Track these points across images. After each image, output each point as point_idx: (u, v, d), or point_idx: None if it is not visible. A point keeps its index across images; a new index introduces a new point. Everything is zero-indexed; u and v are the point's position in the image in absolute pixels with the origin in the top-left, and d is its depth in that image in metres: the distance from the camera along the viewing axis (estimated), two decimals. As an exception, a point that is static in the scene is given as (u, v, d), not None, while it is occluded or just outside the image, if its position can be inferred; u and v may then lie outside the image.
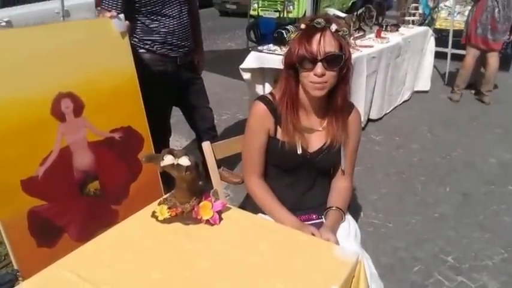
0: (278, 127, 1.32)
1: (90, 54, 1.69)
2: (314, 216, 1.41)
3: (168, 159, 1.07)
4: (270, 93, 1.37)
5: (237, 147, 1.70)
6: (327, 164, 1.38)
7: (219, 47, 7.17)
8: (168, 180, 2.06)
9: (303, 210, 1.40)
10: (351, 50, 1.27)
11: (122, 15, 1.79)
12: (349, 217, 1.46)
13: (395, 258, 2.12)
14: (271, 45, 3.34)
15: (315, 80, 1.20)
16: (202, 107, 2.56)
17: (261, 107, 1.33)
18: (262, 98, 1.35)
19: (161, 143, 2.25)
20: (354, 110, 1.37)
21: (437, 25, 5.62)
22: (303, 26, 1.23)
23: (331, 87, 1.23)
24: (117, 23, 1.76)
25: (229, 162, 2.73)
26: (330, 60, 1.17)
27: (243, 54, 3.54)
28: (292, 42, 1.25)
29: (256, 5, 6.48)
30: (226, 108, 4.12)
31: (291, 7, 5.77)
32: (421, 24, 4.78)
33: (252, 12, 6.66)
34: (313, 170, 1.37)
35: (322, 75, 1.18)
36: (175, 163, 1.07)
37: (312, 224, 1.37)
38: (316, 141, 1.34)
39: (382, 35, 3.87)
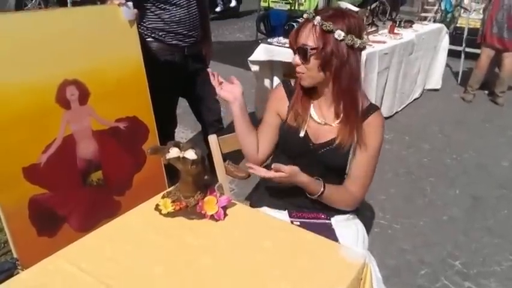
0: (289, 110, 1.35)
1: (97, 41, 1.65)
2: (322, 216, 1.36)
3: (173, 152, 1.04)
4: (295, 79, 1.36)
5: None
6: (331, 161, 1.32)
7: (227, 38, 7.11)
8: (172, 172, 2.04)
9: (310, 208, 1.36)
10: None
11: (130, 3, 1.74)
12: (357, 221, 1.42)
13: (401, 260, 2.07)
14: (281, 37, 3.28)
15: (296, 69, 1.24)
16: (209, 99, 2.51)
17: (279, 89, 1.40)
18: (284, 82, 1.41)
19: (166, 134, 2.22)
20: (374, 114, 1.29)
21: (458, 23, 5.51)
22: (304, 16, 1.25)
23: (314, 80, 1.23)
24: (125, 11, 1.72)
25: (234, 156, 2.69)
26: (301, 52, 1.20)
27: (252, 46, 3.50)
28: None
29: (267, -4, 6.40)
30: (234, 100, 4.08)
31: (302, 0, 5.69)
32: (441, 22, 4.69)
33: (262, 4, 6.57)
34: (319, 165, 1.32)
35: (298, 65, 1.22)
36: (181, 156, 1.04)
37: (318, 224, 1.33)
38: (325, 134, 1.30)
39: (396, 30, 3.79)
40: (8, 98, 1.39)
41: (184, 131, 3.38)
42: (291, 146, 1.35)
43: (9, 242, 1.46)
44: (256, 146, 1.39)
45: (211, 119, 2.55)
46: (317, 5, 5.95)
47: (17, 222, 1.46)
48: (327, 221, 1.36)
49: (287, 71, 3.34)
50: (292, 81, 1.38)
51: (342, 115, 1.27)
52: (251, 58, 3.23)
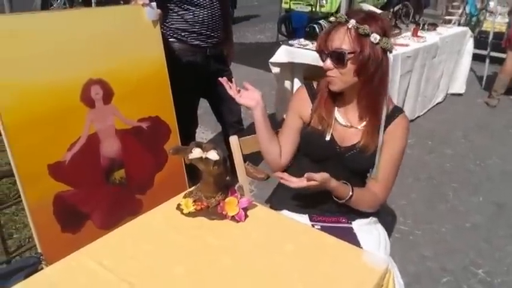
0: (312, 113, 1.33)
1: (121, 41, 1.67)
2: (343, 220, 1.35)
3: (196, 153, 1.04)
4: (318, 81, 1.36)
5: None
6: (357, 165, 1.31)
7: (248, 39, 7.13)
8: (192, 172, 2.05)
9: (331, 212, 1.35)
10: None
11: (154, 4, 1.76)
12: (379, 226, 1.40)
13: (422, 267, 2.03)
14: (302, 39, 3.27)
15: (326, 74, 1.21)
16: (229, 100, 2.46)
17: (301, 90, 1.38)
18: (307, 84, 1.39)
19: (187, 134, 2.24)
20: (399, 116, 1.29)
21: (483, 27, 5.38)
22: (331, 19, 1.23)
23: (346, 84, 1.21)
24: (149, 12, 1.74)
25: (254, 158, 2.69)
26: (336, 56, 1.17)
27: (272, 47, 3.49)
28: None
29: (288, -2, 6.38)
30: (253, 102, 4.07)
31: (324, 1, 5.64)
32: (466, 25, 4.59)
33: (283, 6, 6.56)
34: (345, 168, 1.31)
35: (329, 69, 1.19)
36: (204, 157, 1.04)
37: (340, 228, 1.32)
38: (350, 137, 1.29)
39: (419, 33, 3.73)
40: (35, 96, 1.42)
41: (205, 131, 3.40)
42: (316, 149, 1.34)
43: (34, 237, 1.49)
44: (279, 151, 1.38)
45: (231, 120, 2.56)
46: (338, 7, 5.91)
47: (42, 217, 1.49)
48: (348, 226, 1.34)
49: (308, 73, 3.31)
50: (315, 84, 1.37)
51: (367, 118, 1.26)
52: (272, 60, 3.22)
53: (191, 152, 1.05)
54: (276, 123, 3.51)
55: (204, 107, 2.58)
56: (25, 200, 1.43)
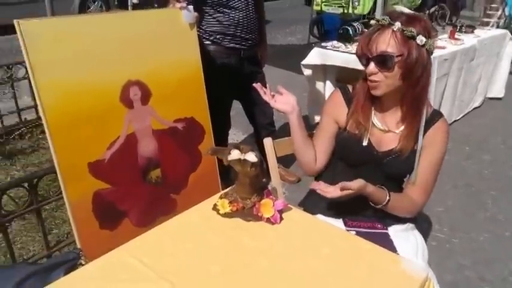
0: (348, 118, 1.31)
1: (159, 44, 1.71)
2: (379, 225, 1.33)
3: (234, 154, 1.05)
4: (353, 85, 1.34)
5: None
6: (396, 170, 1.29)
7: (279, 42, 7.13)
8: (223, 173, 2.07)
9: (367, 217, 1.33)
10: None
11: (191, 7, 1.79)
12: (416, 232, 1.37)
13: (460, 276, 1.96)
14: (335, 41, 3.24)
15: (369, 78, 1.18)
16: (262, 102, 2.49)
17: (336, 94, 1.36)
18: (342, 88, 1.36)
19: (220, 135, 2.26)
20: (439, 120, 1.26)
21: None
22: (372, 22, 1.20)
23: (390, 88, 1.18)
24: (186, 14, 1.77)
25: (285, 160, 2.68)
26: (382, 60, 1.13)
27: (303, 49, 3.47)
28: None
29: (319, 0, 6.34)
30: (284, 104, 4.06)
31: (356, 3, 5.58)
32: (505, 28, 4.41)
33: (315, 8, 6.54)
34: (382, 173, 1.28)
35: (373, 73, 1.16)
36: (242, 158, 1.05)
37: (375, 234, 1.29)
38: (388, 142, 1.27)
39: (456, 36, 3.61)
40: (77, 96, 1.47)
41: (236, 132, 3.42)
42: (352, 154, 1.32)
43: (74, 233, 1.54)
44: (314, 156, 1.37)
45: (264, 122, 2.56)
46: (371, 9, 5.83)
47: (82, 214, 1.54)
48: (384, 231, 1.31)
49: (340, 75, 3.28)
50: (350, 87, 1.34)
51: (406, 122, 1.23)
52: (304, 62, 3.21)
53: (230, 154, 1.06)
54: (308, 126, 3.49)
55: (235, 108, 2.59)
56: (66, 196, 1.49)
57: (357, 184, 1.15)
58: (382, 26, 1.14)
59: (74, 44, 1.46)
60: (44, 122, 1.40)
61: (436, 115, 1.27)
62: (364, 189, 1.18)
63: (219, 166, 2.05)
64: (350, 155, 1.33)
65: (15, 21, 1.32)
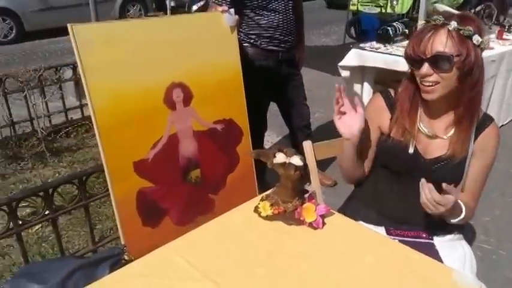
0: (392, 124, 1.26)
1: (201, 47, 1.74)
2: (424, 235, 1.29)
3: (280, 157, 1.06)
4: (395, 88, 1.30)
5: (339, 149, 1.62)
6: (446, 177, 1.23)
7: (313, 43, 7.07)
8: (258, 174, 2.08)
9: (411, 225, 1.29)
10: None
11: (232, 10, 1.82)
12: (463, 242, 1.32)
13: (506, 289, 1.89)
14: (374, 42, 3.18)
15: (422, 81, 1.13)
16: (299, 104, 2.53)
17: (378, 100, 1.31)
18: (383, 92, 1.32)
19: (257, 137, 2.27)
20: (490, 125, 1.22)
21: None
22: (421, 22, 1.16)
23: (446, 91, 1.13)
24: (227, 18, 1.80)
25: (320, 163, 2.66)
26: (438, 61, 1.08)
27: (339, 50, 3.43)
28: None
29: (356, 0, 6.23)
30: (320, 105, 4.01)
31: (394, 2, 5.43)
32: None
33: (351, 7, 6.43)
34: (428, 181, 1.25)
35: (427, 75, 1.10)
36: (287, 162, 1.05)
37: (420, 244, 1.25)
38: (436, 148, 1.23)
39: (504, 36, 3.46)
40: (125, 98, 1.52)
41: (270, 134, 3.42)
42: (398, 162, 1.28)
43: (118, 229, 1.60)
44: (362, 173, 1.35)
45: (300, 124, 2.56)
46: (410, 9, 5.66)
47: (126, 211, 1.59)
48: (429, 241, 1.28)
49: (378, 77, 3.22)
50: (392, 91, 1.30)
51: (457, 126, 1.19)
52: (342, 63, 3.17)
53: (275, 157, 1.06)
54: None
55: (270, 110, 2.60)
56: (112, 194, 1.54)
57: (453, 197, 1.07)
58: (435, 26, 1.10)
59: (122, 47, 1.51)
60: (93, 122, 1.45)
61: (487, 119, 1.23)
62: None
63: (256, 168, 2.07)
64: (395, 163, 1.29)
65: (68, 25, 1.38)
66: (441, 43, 1.08)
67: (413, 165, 1.25)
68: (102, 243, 1.92)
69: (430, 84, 1.12)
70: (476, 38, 1.07)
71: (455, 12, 1.17)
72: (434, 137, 1.23)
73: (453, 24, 1.07)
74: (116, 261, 1.49)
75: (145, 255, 1.05)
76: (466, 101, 1.15)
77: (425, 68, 1.10)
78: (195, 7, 4.60)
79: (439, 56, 1.08)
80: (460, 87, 1.12)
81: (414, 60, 1.13)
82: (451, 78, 1.10)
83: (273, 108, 2.59)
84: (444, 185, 1.06)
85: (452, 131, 1.21)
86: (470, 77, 1.10)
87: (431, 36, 1.09)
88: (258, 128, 2.38)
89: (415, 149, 1.23)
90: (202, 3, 4.34)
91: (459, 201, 1.14)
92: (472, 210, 1.26)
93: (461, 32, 1.07)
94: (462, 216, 1.16)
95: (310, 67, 4.72)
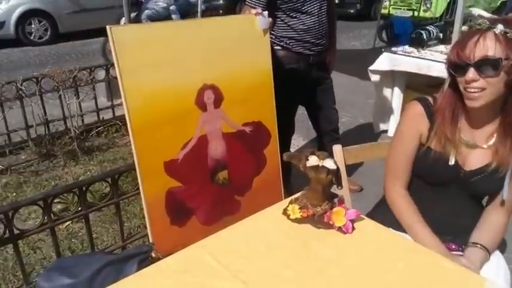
0: (431, 134, 1.21)
1: (234, 49, 1.76)
2: (453, 246, 1.25)
3: (313, 160, 1.05)
4: (433, 96, 1.26)
5: (369, 154, 1.61)
6: (485, 189, 1.21)
7: (342, 46, 7.00)
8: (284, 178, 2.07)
9: (442, 235, 1.25)
10: None
11: (266, 13, 1.82)
12: (497, 253, 1.27)
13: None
14: (406, 46, 3.12)
15: (467, 88, 1.08)
16: (328, 108, 2.51)
17: (417, 107, 1.25)
18: (422, 100, 1.26)
19: (284, 140, 2.27)
20: None
21: None
22: (464, 28, 1.12)
23: (492, 97, 1.08)
24: (261, 20, 1.80)
25: (346, 169, 2.63)
26: (485, 65, 1.04)
27: (368, 54, 3.38)
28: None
29: (387, 3, 6.15)
30: (347, 110, 3.99)
31: (428, 5, 5.32)
32: None
33: (382, 11, 6.35)
34: (464, 191, 1.22)
35: (473, 81, 1.06)
36: (321, 165, 1.04)
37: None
38: (476, 159, 1.19)
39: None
40: (159, 99, 1.55)
41: (296, 138, 3.41)
42: (436, 174, 1.24)
43: (147, 227, 1.63)
44: None
45: (328, 128, 2.54)
46: (443, 12, 5.54)
47: (156, 210, 1.62)
48: (458, 253, 1.24)
49: (410, 82, 3.16)
50: (431, 99, 1.25)
51: (498, 136, 1.14)
52: (372, 67, 3.13)
53: (308, 160, 1.06)
54: (373, 134, 3.42)
55: (297, 113, 2.58)
56: (143, 193, 1.57)
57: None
58: (479, 30, 1.06)
59: (158, 49, 1.54)
60: (128, 122, 1.49)
61: None
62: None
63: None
64: (433, 175, 1.25)
65: (107, 27, 1.42)
66: (488, 47, 1.04)
67: (452, 177, 1.21)
68: (130, 241, 1.97)
69: (476, 90, 1.08)
70: None
71: (492, 16, 1.13)
72: (474, 146, 1.19)
73: (499, 27, 1.04)
74: (144, 258, 1.52)
75: (171, 253, 1.07)
76: (506, 109, 1.10)
77: (471, 73, 1.06)
78: None
79: (486, 60, 1.04)
80: (508, 93, 1.08)
81: (459, 66, 1.09)
82: (498, 84, 1.07)
83: (299, 112, 2.57)
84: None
85: (493, 140, 1.16)
86: None
87: (477, 41, 1.06)
88: (286, 131, 2.38)
89: (455, 161, 1.19)
90: None
91: (480, 249, 1.18)
92: (506, 224, 1.22)
93: (508, 35, 1.04)
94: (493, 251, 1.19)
95: (340, 71, 4.65)
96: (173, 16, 7.34)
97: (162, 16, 7.30)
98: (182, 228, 1.73)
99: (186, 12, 7.48)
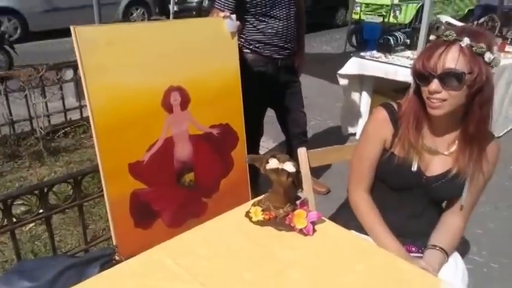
0: (395, 140, 1.23)
1: (201, 51, 1.76)
2: (413, 248, 1.29)
3: (273, 163, 1.07)
4: (397, 102, 1.28)
5: (334, 156, 1.65)
6: (445, 194, 1.26)
7: (313, 50, 7.11)
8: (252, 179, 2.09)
9: (401, 237, 1.29)
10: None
11: (234, 16, 1.83)
12: (455, 254, 1.32)
13: (497, 303, 1.89)
14: (375, 51, 3.21)
15: (429, 97, 1.11)
16: (296, 111, 2.54)
17: (382, 113, 1.26)
18: (387, 106, 1.27)
19: (252, 142, 2.28)
20: (492, 142, 1.20)
21: None
22: (432, 37, 1.14)
23: (452, 108, 1.11)
24: (229, 23, 1.81)
25: (314, 171, 2.66)
26: (449, 78, 1.05)
27: (339, 58, 3.45)
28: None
29: (358, 9, 6.29)
30: (316, 113, 4.04)
31: (397, 12, 5.47)
32: None
33: (353, 16, 6.48)
34: (426, 196, 1.26)
35: (436, 92, 1.08)
36: (280, 168, 1.06)
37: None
38: (438, 165, 1.22)
39: (507, 48, 3.49)
40: (124, 100, 1.53)
41: (266, 140, 3.42)
42: (399, 179, 1.26)
43: (111, 230, 1.60)
44: None
45: (296, 131, 2.57)
46: (413, 18, 5.71)
47: (119, 212, 1.60)
48: (418, 254, 1.28)
49: (377, 86, 3.24)
50: (395, 105, 1.26)
51: (459, 144, 1.17)
52: (341, 71, 3.20)
53: (268, 163, 1.07)
54: (341, 137, 3.48)
55: (266, 116, 2.60)
56: (106, 194, 1.55)
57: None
58: (446, 41, 1.07)
59: (123, 50, 1.52)
60: (91, 123, 1.46)
61: (490, 136, 1.21)
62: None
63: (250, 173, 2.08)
64: (396, 179, 1.27)
65: (71, 27, 1.39)
66: (453, 60, 1.05)
67: (414, 182, 1.24)
68: (94, 243, 1.93)
69: (439, 100, 1.09)
70: (488, 56, 1.05)
71: (459, 23, 1.16)
72: (436, 153, 1.22)
73: (466, 40, 1.04)
74: (107, 261, 1.49)
75: (135, 255, 1.06)
76: (476, 120, 1.11)
77: (435, 84, 1.07)
78: None
79: (450, 72, 1.05)
80: (468, 104, 1.11)
81: (423, 76, 1.10)
82: (460, 96, 1.08)
83: (269, 115, 2.60)
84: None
85: (454, 147, 1.19)
86: (480, 95, 1.07)
87: (442, 52, 1.06)
88: (254, 133, 2.40)
89: (418, 166, 1.22)
90: None
91: (438, 251, 1.22)
92: (463, 228, 1.27)
93: (473, 49, 1.04)
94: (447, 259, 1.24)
95: (310, 74, 4.74)
96: None
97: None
98: (147, 231, 1.71)
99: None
